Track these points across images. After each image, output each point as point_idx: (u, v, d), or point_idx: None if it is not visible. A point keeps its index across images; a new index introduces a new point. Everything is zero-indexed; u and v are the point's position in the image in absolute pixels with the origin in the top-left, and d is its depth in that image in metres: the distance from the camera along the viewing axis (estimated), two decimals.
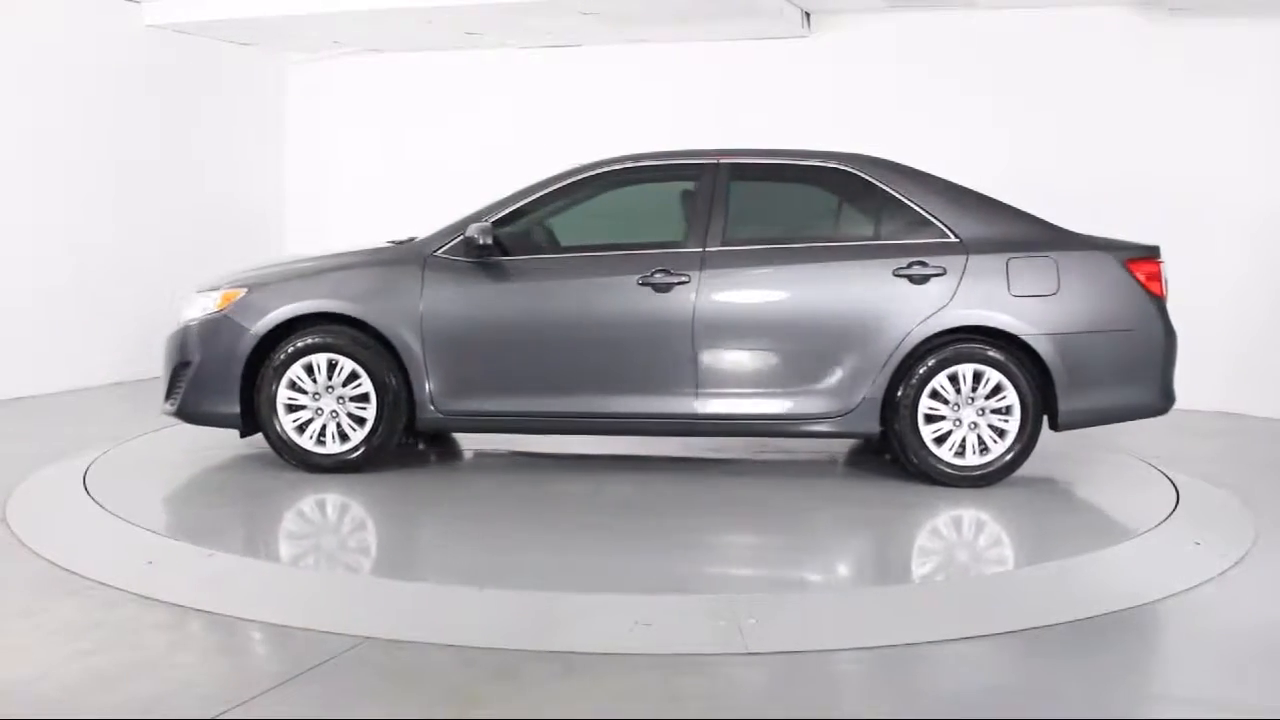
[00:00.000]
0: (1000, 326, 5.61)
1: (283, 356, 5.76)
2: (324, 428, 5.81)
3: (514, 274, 5.78)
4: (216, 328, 5.83)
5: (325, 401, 5.81)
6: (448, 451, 6.59)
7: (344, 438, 5.82)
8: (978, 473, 5.63)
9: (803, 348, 5.66)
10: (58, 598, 4.04)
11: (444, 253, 5.81)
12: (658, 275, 5.66)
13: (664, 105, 9.18)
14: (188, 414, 5.93)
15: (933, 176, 5.90)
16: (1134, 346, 5.66)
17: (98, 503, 5.19)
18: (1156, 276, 5.69)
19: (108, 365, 8.75)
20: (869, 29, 8.74)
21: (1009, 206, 5.86)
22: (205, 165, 9.69)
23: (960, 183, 5.91)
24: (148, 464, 6.14)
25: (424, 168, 9.99)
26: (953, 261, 5.63)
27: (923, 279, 5.62)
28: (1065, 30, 8.28)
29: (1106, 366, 5.66)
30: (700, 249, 5.71)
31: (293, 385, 5.80)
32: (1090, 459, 6.36)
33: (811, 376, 5.66)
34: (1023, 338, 5.58)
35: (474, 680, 3.40)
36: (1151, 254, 5.74)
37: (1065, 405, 5.61)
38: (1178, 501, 5.47)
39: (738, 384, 5.72)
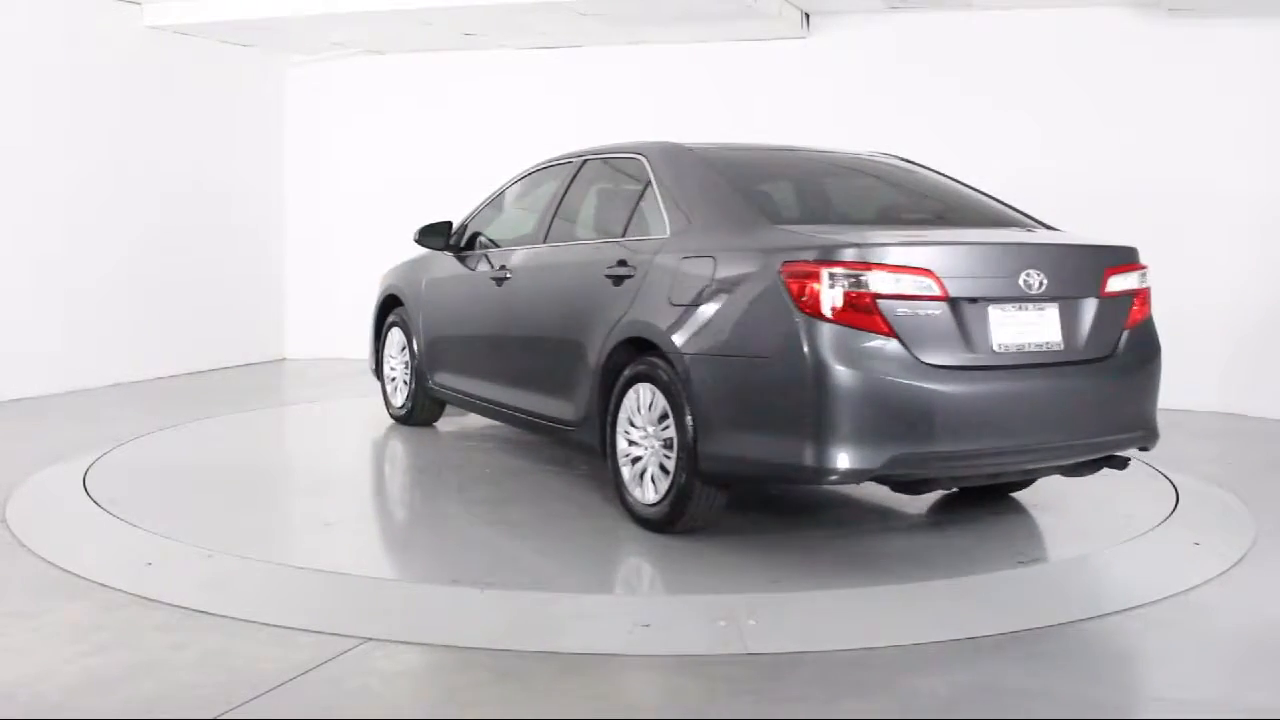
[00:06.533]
0: (650, 339, 4.69)
1: (384, 326, 7.26)
2: (397, 386, 7.17)
3: (456, 266, 6.48)
4: (378, 302, 7.37)
5: (397, 366, 7.13)
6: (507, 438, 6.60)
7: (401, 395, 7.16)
8: (644, 513, 4.76)
9: (548, 350, 5.49)
10: (57, 599, 4.04)
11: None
12: (500, 269, 5.98)
13: (663, 106, 9.18)
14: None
15: (718, 166, 5.00)
16: (770, 382, 4.22)
17: (97, 503, 5.19)
18: (813, 290, 4.06)
19: (106, 367, 8.76)
20: (868, 30, 8.75)
21: (764, 203, 4.88)
22: (205, 165, 9.69)
23: (787, 170, 5.30)
24: (147, 465, 6.14)
25: (423, 168, 10.00)
26: (646, 261, 4.83)
27: (619, 281, 4.93)
28: (1065, 30, 8.29)
29: (740, 404, 4.34)
30: (530, 246, 5.89)
31: (390, 353, 7.20)
32: None
33: (558, 381, 5.34)
34: (667, 354, 4.57)
35: (474, 681, 3.40)
36: (836, 256, 4.07)
37: (703, 446, 4.41)
38: (1177, 502, 5.47)
39: (523, 380, 5.75)
